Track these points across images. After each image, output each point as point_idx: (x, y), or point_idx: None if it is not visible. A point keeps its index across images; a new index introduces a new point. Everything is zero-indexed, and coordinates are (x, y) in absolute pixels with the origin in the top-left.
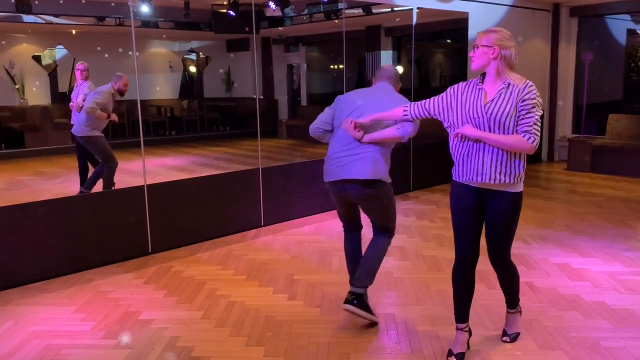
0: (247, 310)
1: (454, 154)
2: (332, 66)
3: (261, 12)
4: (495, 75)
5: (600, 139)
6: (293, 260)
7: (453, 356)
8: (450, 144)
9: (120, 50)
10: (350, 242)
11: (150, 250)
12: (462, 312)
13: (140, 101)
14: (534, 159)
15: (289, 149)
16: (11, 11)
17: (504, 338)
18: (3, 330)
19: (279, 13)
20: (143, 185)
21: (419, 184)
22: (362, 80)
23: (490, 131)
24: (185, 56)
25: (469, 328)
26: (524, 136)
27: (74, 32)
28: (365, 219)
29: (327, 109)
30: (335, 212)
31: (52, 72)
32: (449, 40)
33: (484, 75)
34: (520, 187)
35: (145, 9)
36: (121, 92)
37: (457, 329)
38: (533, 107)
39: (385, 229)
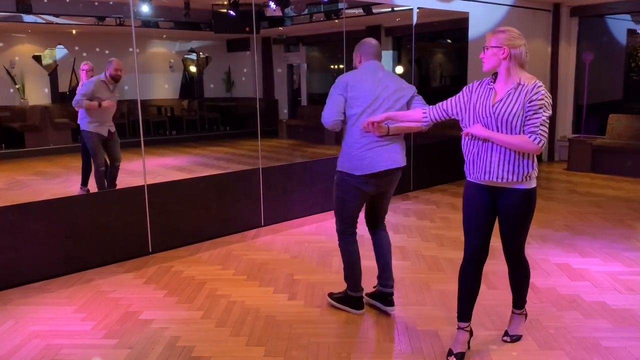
0: (247, 310)
1: (465, 152)
2: (332, 66)
3: (261, 12)
4: (506, 75)
5: (601, 139)
6: (293, 260)
7: (453, 356)
8: (462, 142)
9: (120, 50)
10: (356, 245)
11: (150, 250)
12: (465, 311)
13: (140, 101)
14: None
15: (289, 149)
16: (12, 11)
17: (505, 338)
18: (3, 330)
19: (279, 13)
20: (143, 185)
21: (419, 183)
22: None
23: (498, 131)
24: (186, 56)
25: (470, 328)
26: (530, 137)
27: (74, 32)
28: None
29: (335, 96)
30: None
31: (53, 72)
32: (449, 40)
33: (496, 74)
34: (531, 184)
35: (145, 8)
36: (114, 78)
37: (459, 328)
38: (540, 108)
39: (384, 222)
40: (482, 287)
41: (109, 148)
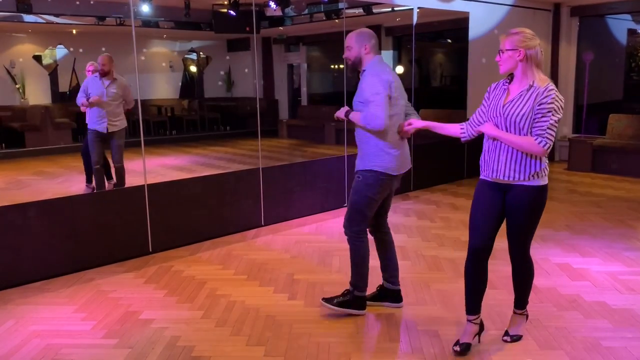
0: (248, 310)
1: (482, 150)
2: (332, 66)
3: (262, 12)
4: (522, 76)
5: (601, 139)
6: (293, 260)
7: (458, 345)
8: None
9: (120, 50)
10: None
11: (150, 250)
12: (473, 304)
13: (140, 101)
14: None
15: (289, 149)
16: (12, 11)
17: (505, 337)
18: (3, 329)
19: (279, 13)
20: (143, 185)
21: (420, 183)
22: None
23: (507, 131)
24: (186, 56)
25: (481, 321)
26: (536, 139)
27: (74, 31)
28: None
29: (385, 95)
30: (335, 212)
31: (53, 72)
32: (449, 40)
33: (512, 75)
34: (540, 182)
35: (145, 8)
36: (101, 73)
37: (468, 320)
38: (549, 112)
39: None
40: None
41: (111, 148)
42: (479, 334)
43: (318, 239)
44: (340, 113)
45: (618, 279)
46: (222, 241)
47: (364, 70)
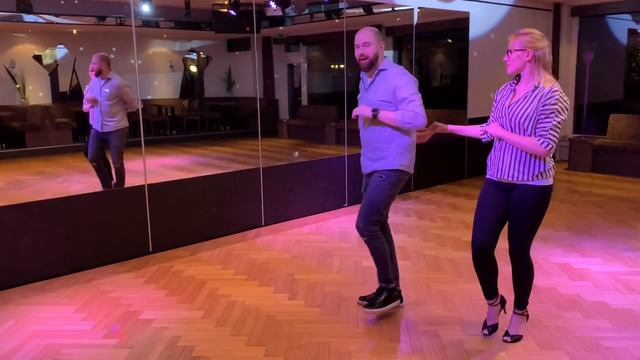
0: (248, 310)
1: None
2: (333, 66)
3: (262, 12)
4: (529, 76)
5: (601, 139)
6: (293, 260)
7: (486, 328)
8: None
9: (121, 49)
10: None
11: (150, 250)
12: (488, 290)
13: (141, 101)
14: None
15: (289, 149)
16: (12, 11)
17: (505, 338)
18: (4, 329)
19: (279, 13)
20: (144, 185)
21: (420, 183)
22: None
23: (512, 131)
24: (186, 56)
25: (501, 297)
26: (539, 140)
27: (74, 31)
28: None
29: (419, 93)
30: (335, 212)
31: (53, 72)
32: (449, 40)
33: (519, 76)
34: (544, 182)
35: (146, 8)
36: (95, 73)
37: (488, 304)
38: (552, 113)
39: None
40: None
41: (110, 148)
42: (503, 308)
43: (318, 239)
44: (366, 112)
45: (618, 279)
46: (222, 241)
47: (383, 69)
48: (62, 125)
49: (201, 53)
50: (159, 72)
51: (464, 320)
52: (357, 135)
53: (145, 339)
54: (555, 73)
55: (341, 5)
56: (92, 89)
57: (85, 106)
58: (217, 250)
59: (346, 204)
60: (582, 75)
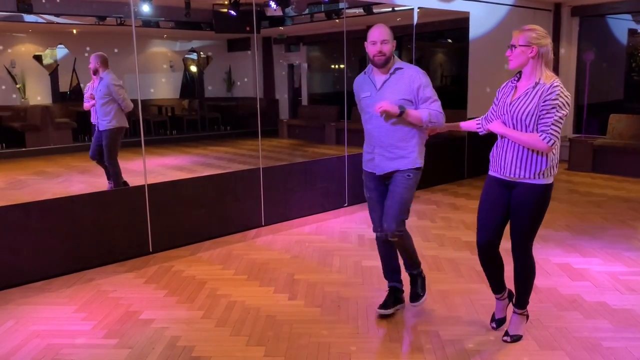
0: (248, 310)
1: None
2: (333, 66)
3: (262, 12)
4: (530, 73)
5: (602, 139)
6: (293, 260)
7: (494, 322)
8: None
9: (121, 49)
10: None
11: (150, 250)
12: (495, 285)
13: (141, 101)
14: None
15: (289, 149)
16: (12, 11)
17: (505, 338)
18: (4, 329)
19: (279, 13)
20: (144, 185)
21: (420, 183)
22: None
23: (514, 128)
24: (186, 56)
25: (510, 291)
26: (540, 135)
27: (74, 31)
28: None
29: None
30: (335, 212)
31: (53, 72)
32: (450, 40)
33: (520, 73)
34: (545, 180)
35: (146, 8)
36: (92, 73)
37: (496, 298)
38: (553, 108)
39: None
40: (483, 287)
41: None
42: (510, 301)
43: (318, 239)
44: (393, 109)
45: (618, 279)
46: (222, 241)
47: (400, 68)
48: (62, 125)
49: (201, 53)
50: (159, 72)
51: (464, 320)
52: (357, 135)
53: (145, 339)
54: (555, 73)
55: (341, 5)
56: (91, 87)
57: (86, 104)
58: (217, 250)
59: (346, 204)
60: (583, 75)
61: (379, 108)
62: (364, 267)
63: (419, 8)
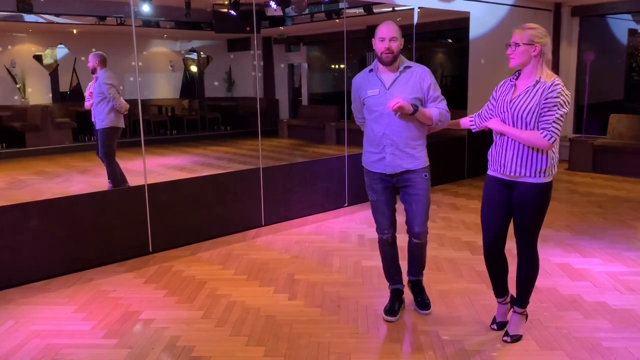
0: (248, 310)
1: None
2: (333, 66)
3: (262, 12)
4: (531, 71)
5: (602, 139)
6: (293, 260)
7: (495, 324)
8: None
9: (121, 49)
10: None
11: (150, 250)
12: (498, 288)
13: (141, 100)
14: None
15: (289, 149)
16: (12, 10)
17: (505, 338)
18: (3, 329)
19: (279, 13)
20: (144, 185)
21: None
22: None
23: (514, 126)
24: (186, 56)
25: (512, 296)
26: (541, 133)
27: (75, 31)
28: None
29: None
30: (335, 212)
31: (53, 72)
32: (450, 40)
33: (519, 71)
34: (545, 179)
35: (146, 8)
36: (90, 72)
37: (498, 302)
38: (554, 106)
39: None
40: (483, 287)
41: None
42: (512, 307)
43: (318, 239)
44: (407, 106)
45: (618, 280)
46: (222, 241)
47: (409, 66)
48: (63, 125)
49: (201, 53)
50: (159, 72)
51: (464, 320)
52: (357, 135)
53: (145, 339)
54: (555, 73)
55: (341, 5)
56: (92, 86)
57: (86, 103)
58: (217, 250)
59: (346, 204)
60: (583, 75)
61: (395, 104)
62: (364, 267)
63: (419, 8)
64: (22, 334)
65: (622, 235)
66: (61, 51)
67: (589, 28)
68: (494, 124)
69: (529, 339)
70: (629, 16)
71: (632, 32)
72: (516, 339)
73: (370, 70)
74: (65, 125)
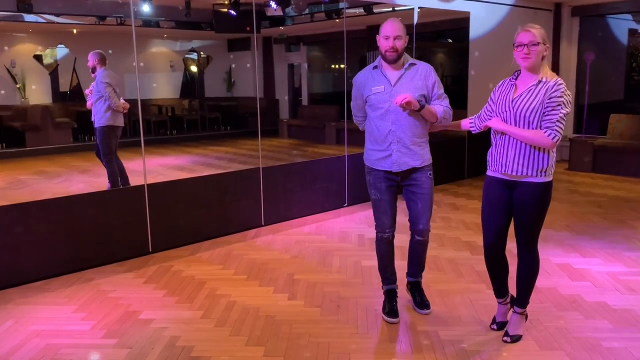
0: (247, 310)
1: (491, 145)
2: (333, 66)
3: (262, 12)
4: (534, 71)
5: (602, 139)
6: (293, 260)
7: (495, 324)
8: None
9: (121, 49)
10: None
11: (150, 250)
12: (498, 288)
13: (141, 100)
14: None
15: (289, 149)
16: (12, 10)
17: (505, 338)
18: (3, 329)
19: (280, 12)
20: (143, 185)
21: None
22: None
23: (515, 125)
24: (186, 55)
25: (512, 296)
26: (545, 132)
27: (75, 31)
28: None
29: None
30: (335, 212)
31: (53, 72)
32: (450, 40)
33: (518, 71)
34: (546, 178)
35: (146, 8)
36: (91, 71)
37: (499, 303)
38: (558, 105)
39: None
40: (482, 287)
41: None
42: (512, 307)
43: (318, 239)
44: (415, 102)
45: (618, 280)
46: (222, 241)
47: (414, 64)
48: (62, 124)
49: (201, 53)
50: (159, 71)
51: (464, 320)
52: (357, 135)
53: (144, 339)
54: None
55: (341, 5)
56: (92, 85)
57: (88, 102)
58: (217, 250)
59: (346, 204)
60: (583, 75)
61: (403, 99)
62: (363, 267)
63: (419, 8)
64: (21, 333)
65: (622, 235)
66: (61, 51)
67: (589, 28)
68: (496, 124)
69: (529, 339)
70: (629, 16)
71: (632, 32)
72: (516, 339)
73: (375, 67)
74: (65, 125)
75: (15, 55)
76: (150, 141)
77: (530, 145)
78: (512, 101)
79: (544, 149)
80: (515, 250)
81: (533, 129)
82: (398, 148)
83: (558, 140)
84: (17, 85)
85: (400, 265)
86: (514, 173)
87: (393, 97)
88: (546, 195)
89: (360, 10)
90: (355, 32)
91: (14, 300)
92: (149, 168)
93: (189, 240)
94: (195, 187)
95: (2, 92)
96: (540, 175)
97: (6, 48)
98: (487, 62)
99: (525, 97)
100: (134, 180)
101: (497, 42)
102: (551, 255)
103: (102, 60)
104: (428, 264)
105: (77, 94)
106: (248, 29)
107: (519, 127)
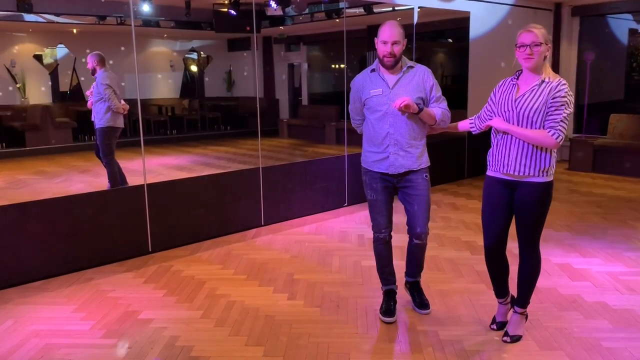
0: (247, 310)
1: (491, 145)
2: (333, 65)
3: (262, 12)
4: (536, 71)
5: (602, 139)
6: (293, 260)
7: (494, 324)
8: (491, 136)
9: (121, 49)
10: None
11: (150, 250)
12: (499, 288)
13: (141, 100)
14: None
15: (289, 149)
16: (12, 10)
17: (505, 338)
18: (3, 329)
19: (280, 12)
20: (143, 185)
21: None
22: None
23: (518, 125)
24: (186, 55)
25: (513, 297)
26: (549, 132)
27: (74, 31)
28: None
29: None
30: (335, 212)
31: (53, 71)
32: (450, 40)
33: (520, 71)
34: (547, 178)
35: (146, 8)
36: (91, 72)
37: (499, 303)
38: (562, 105)
39: None
40: (483, 287)
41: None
42: (512, 307)
43: (318, 239)
44: (414, 105)
45: (618, 280)
46: (221, 241)
47: (411, 67)
48: (62, 124)
49: (201, 52)
50: (159, 71)
51: (464, 320)
52: (357, 135)
53: (144, 338)
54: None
55: (341, 4)
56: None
57: (88, 102)
58: (217, 250)
59: (346, 204)
60: (583, 75)
61: (401, 102)
62: (363, 267)
63: (419, 7)
64: (21, 333)
65: (622, 235)
66: (61, 51)
67: (589, 28)
68: (498, 123)
69: (529, 339)
70: (629, 16)
71: (632, 32)
72: (516, 339)
73: (372, 70)
74: (65, 124)
75: (15, 55)
76: (150, 141)
77: (533, 145)
78: (515, 101)
79: (546, 149)
80: (516, 251)
81: (536, 129)
82: (395, 150)
83: (562, 140)
84: (17, 85)
85: (400, 265)
86: (516, 173)
87: (391, 100)
88: (547, 195)
89: (360, 10)
90: (355, 32)
91: (13, 300)
92: (149, 168)
93: (189, 240)
94: (195, 187)
95: (1, 93)
96: (542, 175)
97: (7, 48)
98: (487, 62)
99: (529, 97)
100: (134, 180)
101: (497, 42)
102: (551, 255)
103: (102, 62)
104: (428, 264)
105: (77, 93)
106: (248, 28)
107: (522, 127)
